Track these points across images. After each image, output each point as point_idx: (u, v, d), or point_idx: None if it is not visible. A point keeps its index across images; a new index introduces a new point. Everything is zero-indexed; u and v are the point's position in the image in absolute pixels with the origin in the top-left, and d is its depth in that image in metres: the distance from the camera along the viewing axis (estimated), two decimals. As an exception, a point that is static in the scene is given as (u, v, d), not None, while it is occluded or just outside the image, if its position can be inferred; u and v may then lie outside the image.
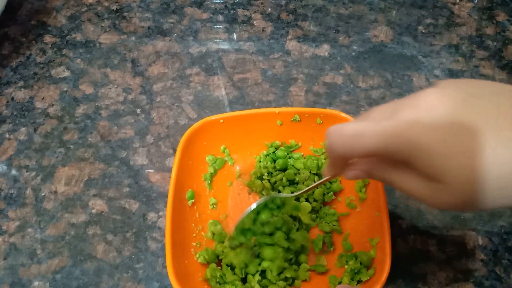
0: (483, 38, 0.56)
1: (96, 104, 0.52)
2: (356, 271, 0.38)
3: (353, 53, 0.55)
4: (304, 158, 0.45)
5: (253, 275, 0.38)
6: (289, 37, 0.57)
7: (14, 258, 0.42)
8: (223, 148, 0.45)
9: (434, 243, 0.42)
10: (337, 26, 0.58)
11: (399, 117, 0.24)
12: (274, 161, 0.45)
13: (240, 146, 0.45)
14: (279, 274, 0.39)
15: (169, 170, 0.47)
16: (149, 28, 0.58)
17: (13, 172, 0.47)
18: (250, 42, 0.56)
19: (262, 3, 0.60)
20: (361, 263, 0.38)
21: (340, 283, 0.38)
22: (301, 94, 0.52)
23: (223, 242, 0.41)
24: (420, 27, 0.57)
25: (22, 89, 0.53)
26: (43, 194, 0.46)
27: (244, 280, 0.39)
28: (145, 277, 0.41)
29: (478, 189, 0.22)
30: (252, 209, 0.37)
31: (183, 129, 0.48)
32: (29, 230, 0.44)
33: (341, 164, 0.30)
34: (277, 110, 0.44)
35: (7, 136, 0.50)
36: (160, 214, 0.44)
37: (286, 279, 0.39)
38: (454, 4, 0.60)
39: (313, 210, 0.42)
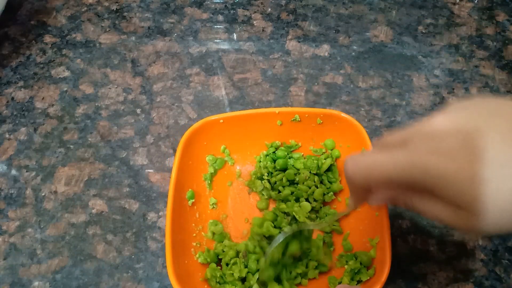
0: (483, 38, 0.56)
1: (96, 104, 0.52)
2: (356, 271, 0.38)
3: (353, 53, 0.55)
4: (304, 158, 0.45)
5: (253, 274, 0.38)
6: (289, 37, 0.57)
7: (14, 258, 0.42)
8: (223, 148, 0.45)
9: (434, 243, 0.42)
10: (337, 26, 0.58)
11: (412, 147, 0.25)
12: (274, 161, 0.45)
13: (240, 146, 0.45)
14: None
15: (169, 170, 0.47)
16: (149, 28, 0.58)
17: (13, 172, 0.47)
18: (250, 42, 0.56)
19: (262, 3, 0.60)
20: (361, 263, 0.38)
21: (340, 283, 0.38)
22: (301, 94, 0.52)
23: (223, 242, 0.41)
24: (420, 27, 0.57)
25: (22, 89, 0.53)
26: (43, 194, 0.46)
27: (243, 280, 0.39)
28: (145, 277, 0.41)
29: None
30: (280, 241, 0.36)
31: (183, 129, 0.48)
32: (29, 230, 0.44)
33: (363, 194, 0.31)
34: (277, 110, 0.44)
35: (7, 136, 0.50)
36: (160, 214, 0.44)
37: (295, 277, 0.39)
38: (454, 4, 0.60)
39: (313, 210, 0.42)
